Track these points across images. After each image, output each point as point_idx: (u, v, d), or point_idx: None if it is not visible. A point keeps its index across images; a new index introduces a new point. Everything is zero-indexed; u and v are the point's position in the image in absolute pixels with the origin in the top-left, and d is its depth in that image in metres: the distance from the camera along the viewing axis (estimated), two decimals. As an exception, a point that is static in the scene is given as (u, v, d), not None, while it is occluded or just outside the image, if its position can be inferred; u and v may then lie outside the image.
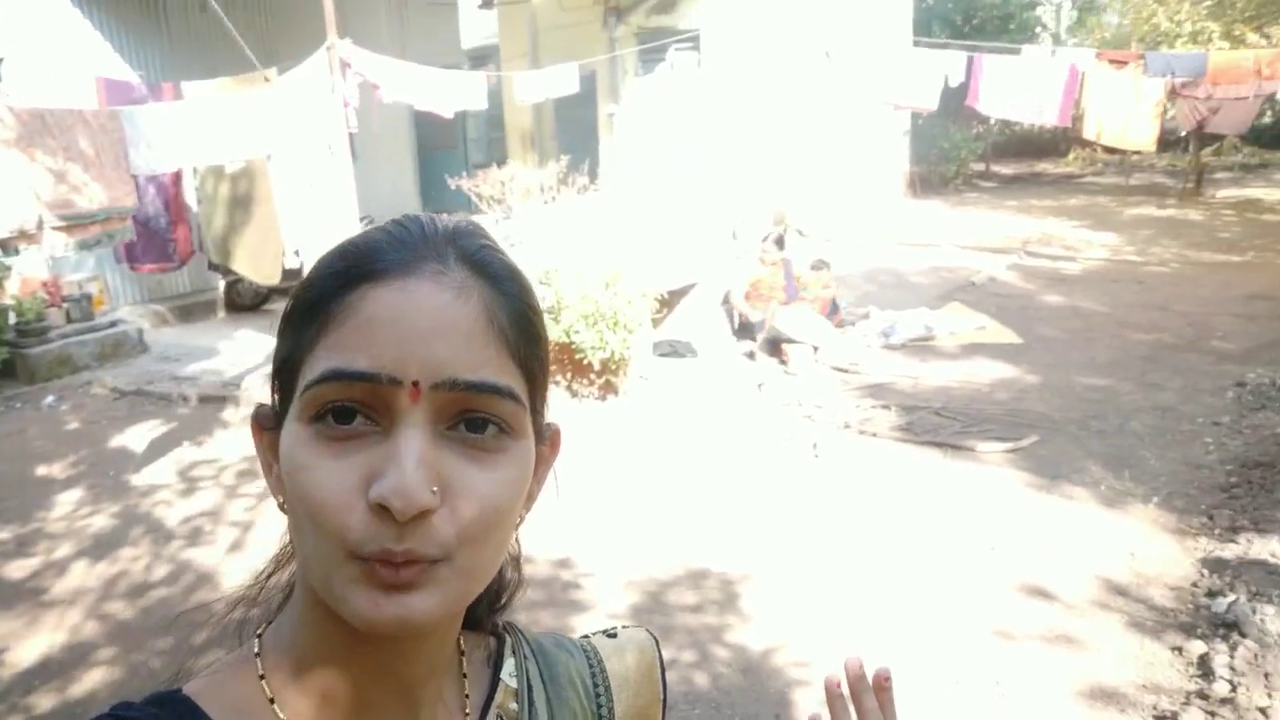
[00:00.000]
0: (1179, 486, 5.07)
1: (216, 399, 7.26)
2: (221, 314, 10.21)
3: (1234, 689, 3.30)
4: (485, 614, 0.75)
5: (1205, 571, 4.17)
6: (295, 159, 6.54)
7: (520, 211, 8.08)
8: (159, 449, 6.35)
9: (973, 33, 16.00)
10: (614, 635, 0.80)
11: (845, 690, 0.78)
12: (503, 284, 0.60)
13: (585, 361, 6.55)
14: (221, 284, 10.03)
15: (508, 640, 0.75)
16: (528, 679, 0.73)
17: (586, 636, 0.80)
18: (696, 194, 10.49)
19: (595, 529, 4.77)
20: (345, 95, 6.38)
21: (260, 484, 5.61)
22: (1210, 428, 5.87)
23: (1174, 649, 3.62)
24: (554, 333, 6.54)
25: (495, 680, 0.72)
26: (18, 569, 4.68)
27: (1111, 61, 10.22)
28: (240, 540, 4.91)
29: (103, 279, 9.35)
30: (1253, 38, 14.49)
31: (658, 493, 5.24)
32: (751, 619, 3.94)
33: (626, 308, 6.47)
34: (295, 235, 7.71)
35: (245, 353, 8.46)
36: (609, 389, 6.87)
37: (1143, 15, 17.05)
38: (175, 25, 9.71)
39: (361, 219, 8.22)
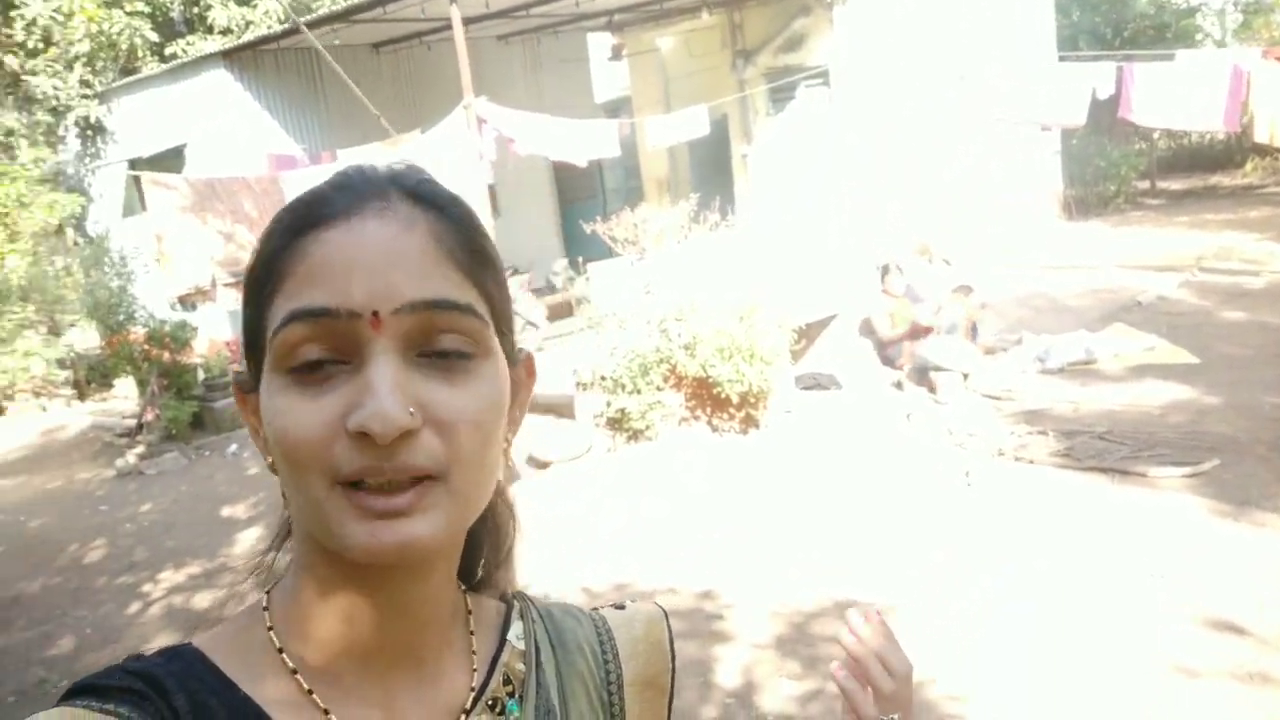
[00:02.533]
0: (1390, 510, 4.53)
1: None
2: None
3: None
4: (490, 570, 0.75)
5: None
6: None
7: (654, 252, 8.20)
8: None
9: (1124, 45, 15.20)
10: (622, 608, 0.80)
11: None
12: (446, 211, 0.60)
13: (723, 395, 6.53)
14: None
15: (516, 605, 0.75)
16: (535, 642, 0.72)
17: (595, 608, 0.80)
18: (834, 227, 10.35)
19: (739, 561, 4.70)
20: (482, 150, 6.69)
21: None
22: None
23: (1391, 688, 3.21)
24: (690, 368, 6.56)
25: (502, 642, 0.71)
26: (204, 599, 5.05)
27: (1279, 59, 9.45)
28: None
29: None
30: None
31: (803, 524, 5.12)
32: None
33: (762, 340, 6.43)
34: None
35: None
36: (750, 422, 6.81)
37: (1319, 10, 15.74)
38: (333, 101, 10.50)
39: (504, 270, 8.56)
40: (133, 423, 9.08)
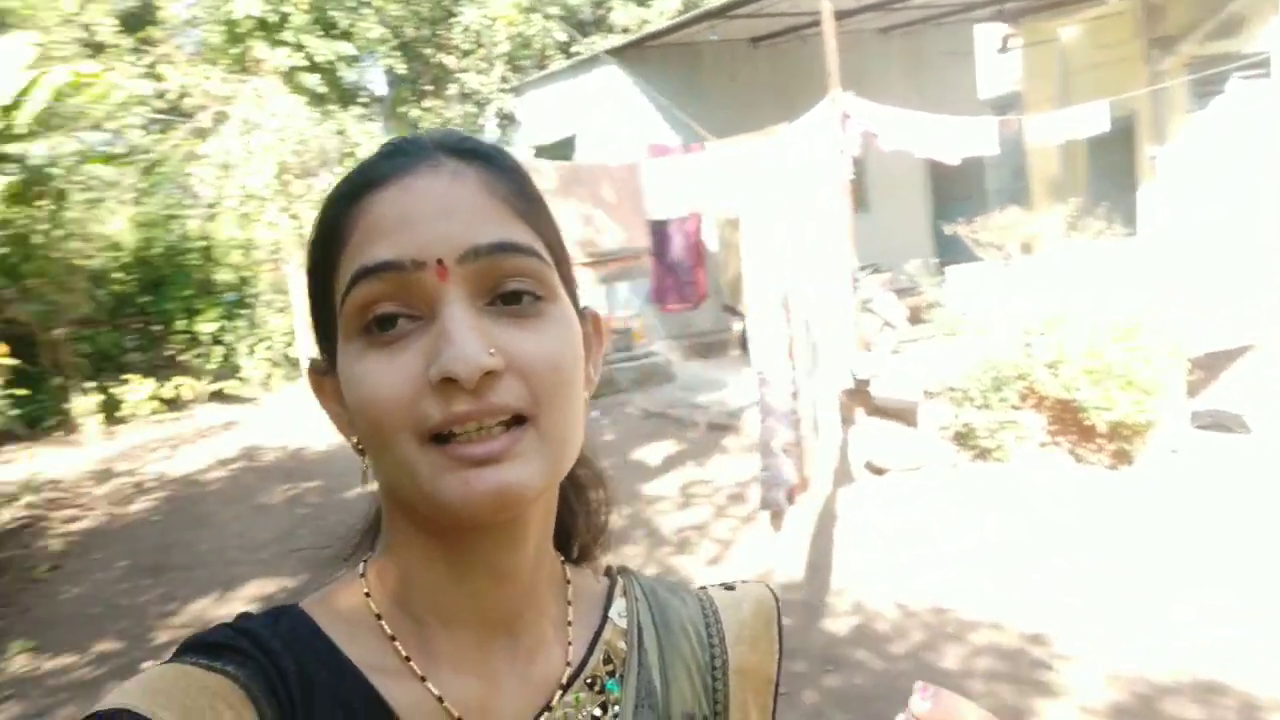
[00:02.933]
0: None
1: (720, 427, 7.90)
2: (734, 352, 11.10)
3: None
4: (586, 542, 0.74)
5: None
6: (794, 207, 6.91)
7: (1021, 257, 7.55)
8: (669, 465, 7.08)
9: None
10: (732, 588, 0.76)
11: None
12: (494, 161, 0.61)
13: (1089, 423, 5.86)
14: (735, 325, 10.92)
15: (619, 581, 0.73)
16: (638, 620, 0.70)
17: (703, 587, 0.76)
18: (1260, 246, 8.83)
19: (1083, 607, 4.21)
20: (844, 144, 6.57)
21: (745, 508, 5.95)
22: None
23: None
24: (1052, 388, 5.96)
25: (604, 619, 0.69)
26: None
27: None
28: (719, 555, 5.26)
29: (642, 316, 10.79)
30: None
31: (1171, 581, 4.45)
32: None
33: (1143, 366, 5.66)
34: (785, 280, 8.13)
35: (749, 388, 9.09)
36: (1121, 457, 6.05)
37: None
38: (710, 95, 10.92)
39: (864, 268, 8.37)
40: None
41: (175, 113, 12.35)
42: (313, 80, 11.68)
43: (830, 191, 6.36)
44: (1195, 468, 5.97)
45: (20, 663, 4.52)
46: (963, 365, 6.40)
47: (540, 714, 0.63)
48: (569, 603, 0.69)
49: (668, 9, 14.22)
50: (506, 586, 0.62)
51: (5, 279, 9.72)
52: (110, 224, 11.13)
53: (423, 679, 0.60)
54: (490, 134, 13.75)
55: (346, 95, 12.67)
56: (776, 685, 0.75)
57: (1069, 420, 6.10)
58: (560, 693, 0.64)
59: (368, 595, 0.63)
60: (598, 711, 0.65)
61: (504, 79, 13.42)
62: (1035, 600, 4.30)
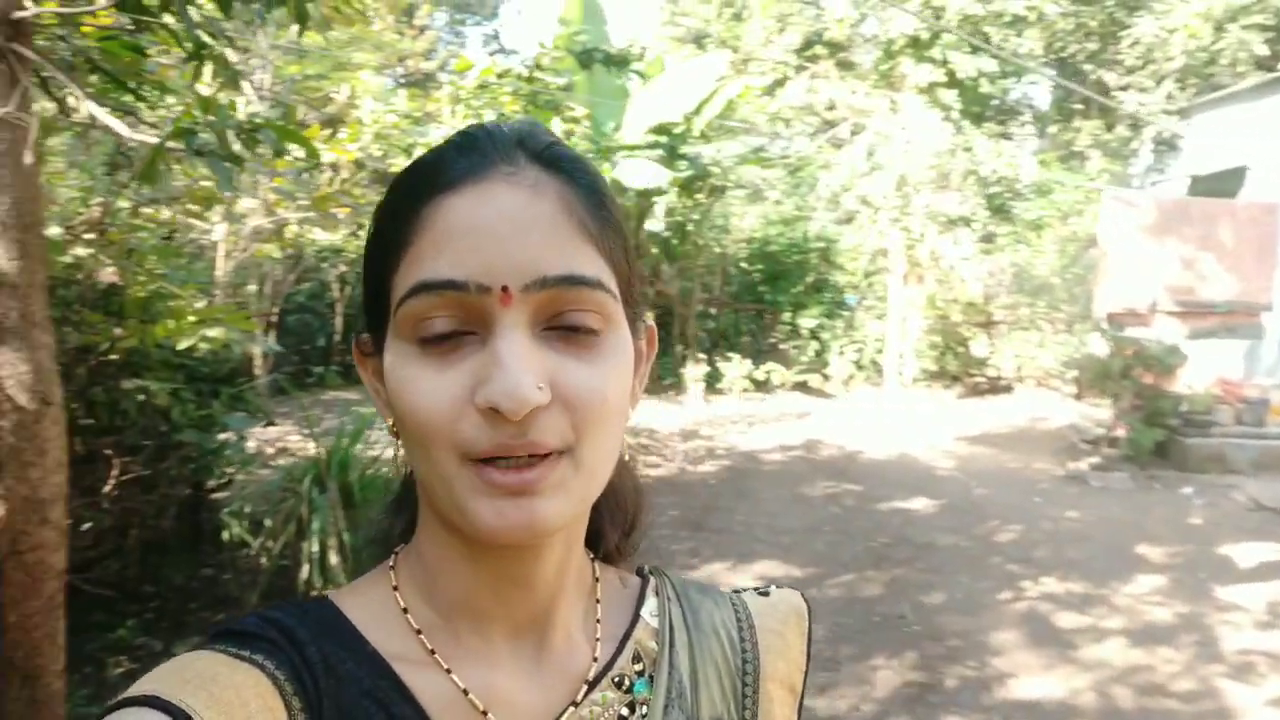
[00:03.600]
0: None
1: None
2: None
3: None
4: (619, 543, 0.73)
5: None
6: None
7: None
8: (1263, 573, 5.69)
9: None
10: (766, 594, 0.75)
11: None
12: (576, 177, 0.58)
13: None
14: None
15: (651, 581, 0.72)
16: (670, 620, 0.69)
17: (737, 591, 0.75)
18: None
19: None
20: None
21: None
22: None
23: None
24: None
25: (635, 618, 0.68)
26: (1067, 619, 4.88)
27: None
28: (1289, 698, 4.06)
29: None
30: None
31: None
32: None
33: None
34: None
35: None
36: None
37: None
38: None
39: None
40: (1101, 432, 9.09)
41: (821, 123, 13.45)
42: (950, 96, 11.70)
43: None
44: None
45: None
46: None
47: (564, 710, 0.62)
48: (597, 601, 0.69)
49: None
50: (534, 591, 0.62)
51: (666, 258, 11.69)
52: (745, 219, 12.62)
53: (448, 671, 0.61)
54: (1143, 160, 12.30)
55: (984, 112, 12.44)
56: (801, 698, 0.73)
57: None
58: (586, 689, 0.63)
59: (395, 589, 0.64)
60: (625, 711, 0.64)
61: (1169, 97, 11.85)
62: None
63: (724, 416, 10.71)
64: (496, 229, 0.54)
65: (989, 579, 5.47)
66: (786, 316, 12.69)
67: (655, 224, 9.88)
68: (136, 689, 0.52)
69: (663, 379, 11.94)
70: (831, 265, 13.06)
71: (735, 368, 12.03)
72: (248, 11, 2.52)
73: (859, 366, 12.51)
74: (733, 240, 12.43)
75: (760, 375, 12.21)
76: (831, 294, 12.93)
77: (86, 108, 2.28)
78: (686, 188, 10.59)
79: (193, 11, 2.35)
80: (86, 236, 3.72)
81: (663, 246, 10.84)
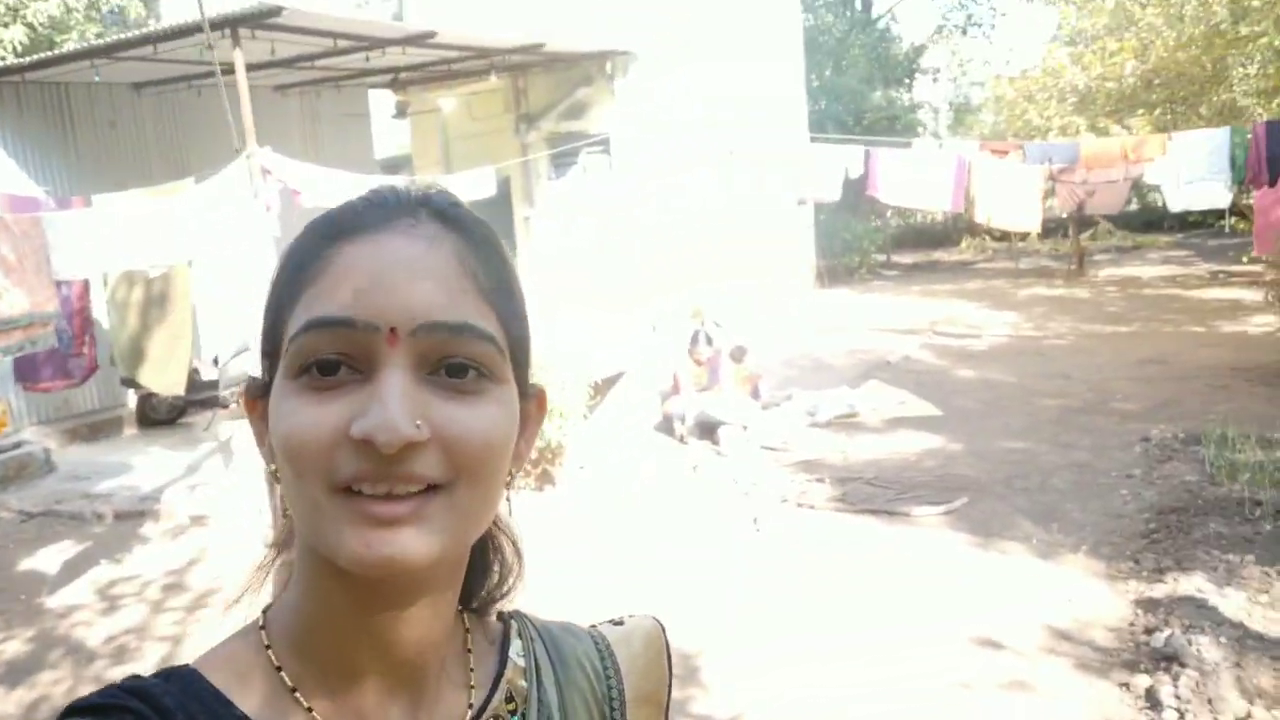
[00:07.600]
0: (1104, 535, 5.28)
1: (134, 515, 6.94)
2: (132, 430, 9.81)
3: (1181, 715, 3.42)
4: (490, 600, 0.75)
5: (1140, 611, 4.34)
6: (217, 265, 6.50)
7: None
8: (74, 569, 6.00)
9: (863, 132, 17.02)
10: (620, 624, 0.81)
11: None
12: (473, 234, 0.61)
13: (520, 452, 6.52)
14: (133, 399, 9.67)
15: (513, 624, 0.75)
16: (535, 658, 0.72)
17: (594, 625, 0.81)
18: (615, 289, 10.72)
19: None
20: (268, 201, 6.40)
21: (187, 596, 5.37)
22: (1125, 480, 6.17)
23: (1121, 685, 3.74)
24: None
25: (504, 660, 0.71)
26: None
27: (993, 151, 11.01)
28: (170, 654, 4.65)
29: (5, 400, 8.93)
30: (1115, 129, 15.79)
31: (604, 577, 5.20)
32: (712, 690, 3.91)
33: (560, 394, 6.51)
34: (214, 343, 7.58)
35: (161, 467, 8.13)
36: (545, 479, 6.84)
37: (1015, 113, 18.43)
38: (83, 142, 9.62)
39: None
40: None
41: None
42: None
43: (256, 249, 6.08)
44: (598, 479, 7.03)
45: None
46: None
47: None
48: (469, 650, 0.70)
49: (9, 38, 12.08)
50: (411, 638, 0.62)
51: None
52: None
53: None
54: None
55: None
56: (666, 710, 0.79)
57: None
58: None
59: (268, 647, 0.62)
60: None
61: None
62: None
63: None
64: (391, 274, 0.56)
65: None
66: None
67: None
68: None
69: None
70: None
71: None
72: None
73: None
74: None
75: None
76: None
77: None
78: None
79: None
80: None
81: None
